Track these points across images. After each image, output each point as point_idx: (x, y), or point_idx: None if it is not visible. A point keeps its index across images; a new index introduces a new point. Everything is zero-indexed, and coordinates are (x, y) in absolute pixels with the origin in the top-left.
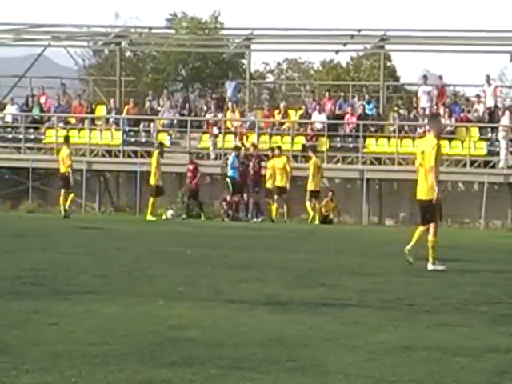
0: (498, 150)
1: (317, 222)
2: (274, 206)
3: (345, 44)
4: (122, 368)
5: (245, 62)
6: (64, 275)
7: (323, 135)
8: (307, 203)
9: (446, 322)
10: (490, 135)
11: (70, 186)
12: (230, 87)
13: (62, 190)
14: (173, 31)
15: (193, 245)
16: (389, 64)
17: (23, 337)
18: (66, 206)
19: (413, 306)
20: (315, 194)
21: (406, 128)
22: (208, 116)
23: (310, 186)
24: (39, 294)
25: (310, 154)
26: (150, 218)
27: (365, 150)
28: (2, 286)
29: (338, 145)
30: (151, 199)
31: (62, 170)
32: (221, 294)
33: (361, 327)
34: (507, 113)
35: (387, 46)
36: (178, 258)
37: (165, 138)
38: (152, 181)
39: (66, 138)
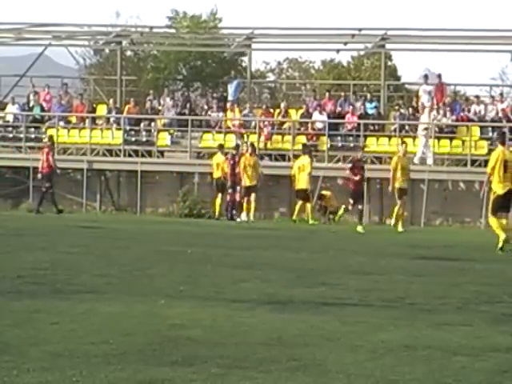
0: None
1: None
2: (309, 206)
3: (345, 43)
4: (123, 367)
5: (245, 60)
6: (65, 274)
7: (324, 134)
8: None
9: (447, 321)
10: (490, 134)
11: (225, 190)
12: (231, 87)
13: (220, 195)
14: (173, 30)
15: (193, 244)
16: (390, 63)
17: (24, 336)
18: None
19: (414, 305)
20: (252, 189)
21: (406, 127)
22: (212, 115)
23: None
24: (40, 294)
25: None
26: (312, 222)
27: (365, 149)
28: (2, 285)
29: (339, 144)
30: (309, 204)
31: (217, 175)
32: (222, 294)
33: (361, 326)
34: (426, 110)
35: (388, 46)
36: (179, 257)
37: (166, 137)
38: (306, 185)
39: (221, 146)
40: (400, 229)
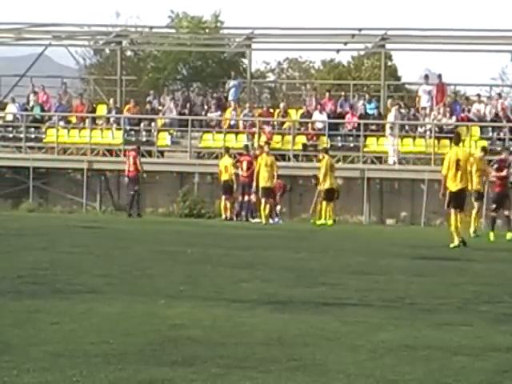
0: (498, 149)
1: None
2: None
3: (346, 43)
4: (123, 367)
5: (245, 61)
6: (65, 274)
7: (324, 134)
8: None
9: (447, 321)
10: (490, 134)
11: (233, 192)
12: (231, 87)
13: (223, 197)
14: (173, 30)
15: (193, 244)
16: (390, 63)
17: (24, 336)
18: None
19: (414, 305)
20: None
21: (406, 127)
22: (210, 115)
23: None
24: (40, 294)
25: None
26: (320, 222)
27: (365, 149)
28: (2, 285)
29: (339, 144)
30: (331, 203)
31: (226, 177)
32: (222, 294)
33: (362, 326)
34: (393, 109)
35: (388, 46)
36: (179, 257)
37: (166, 137)
38: (333, 184)
39: (227, 149)
40: (472, 234)
